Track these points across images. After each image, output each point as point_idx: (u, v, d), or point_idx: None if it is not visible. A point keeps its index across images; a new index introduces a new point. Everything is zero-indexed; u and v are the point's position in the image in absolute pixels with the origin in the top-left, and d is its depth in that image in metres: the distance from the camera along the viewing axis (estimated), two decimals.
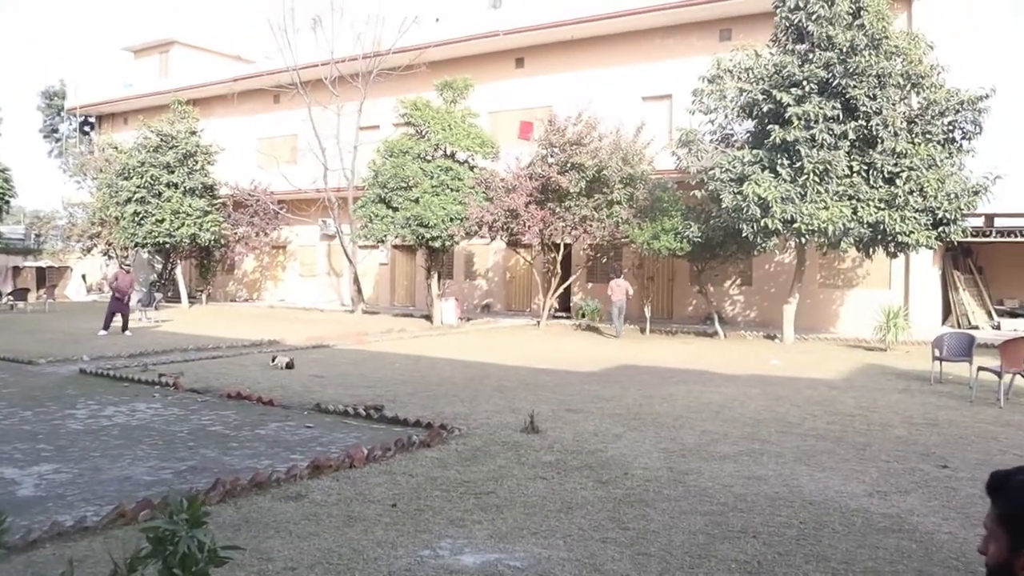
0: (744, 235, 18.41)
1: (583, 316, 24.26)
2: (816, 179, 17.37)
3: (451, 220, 23.16)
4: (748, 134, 19.57)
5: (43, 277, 39.16)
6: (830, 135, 17.27)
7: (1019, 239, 23.52)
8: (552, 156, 22.47)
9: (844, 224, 17.32)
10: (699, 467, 7.49)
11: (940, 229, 17.78)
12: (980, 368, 11.93)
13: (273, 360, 14.37)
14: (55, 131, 47.46)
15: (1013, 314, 24.51)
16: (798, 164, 17.50)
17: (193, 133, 30.79)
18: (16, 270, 37.88)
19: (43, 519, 5.66)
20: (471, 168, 24.48)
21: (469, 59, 29.07)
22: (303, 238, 34.48)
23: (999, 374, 11.41)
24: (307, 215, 32.56)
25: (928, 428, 9.55)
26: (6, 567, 4.86)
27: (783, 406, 10.92)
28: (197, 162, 30.41)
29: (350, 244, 29.10)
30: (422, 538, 5.44)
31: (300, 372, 13.63)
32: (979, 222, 22.70)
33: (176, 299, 32.59)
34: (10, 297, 30.99)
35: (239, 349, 16.88)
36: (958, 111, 18.09)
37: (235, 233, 32.36)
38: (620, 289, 21.73)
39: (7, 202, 33.36)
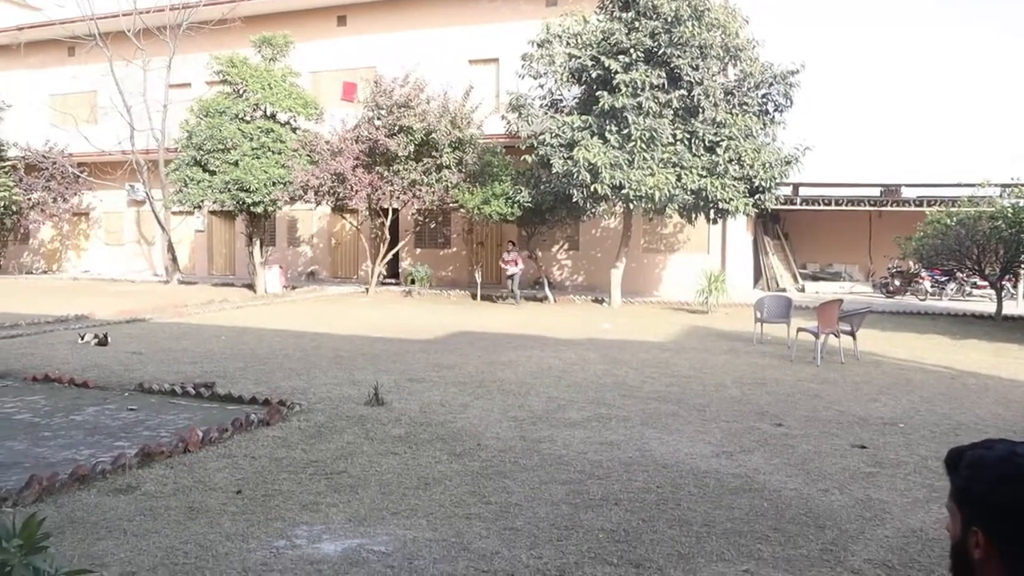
0: (575, 200, 18.63)
1: (412, 283, 23.90)
2: (643, 146, 17.78)
3: (273, 184, 22.10)
4: (576, 100, 19.77)
5: None
6: (656, 103, 17.70)
7: (820, 208, 25.21)
8: (379, 119, 21.82)
9: (669, 191, 17.85)
10: (551, 435, 7.43)
11: (756, 197, 18.70)
12: (799, 329, 12.62)
13: (82, 337, 13.17)
14: None
15: (815, 277, 26.33)
16: (626, 131, 17.84)
17: None
18: None
19: None
20: (294, 130, 23.42)
21: (288, 15, 27.68)
22: (108, 204, 31.95)
23: (816, 334, 12.10)
24: (112, 179, 30.21)
25: (758, 387, 9.97)
26: None
27: (621, 369, 11.11)
28: None
29: (162, 210, 27.27)
30: (275, 527, 5.05)
31: (115, 349, 12.55)
32: (787, 191, 24.12)
33: None
34: None
35: (42, 326, 15.37)
36: (771, 84, 19.03)
37: (28, 199, 29.53)
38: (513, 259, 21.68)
39: None
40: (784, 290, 23.86)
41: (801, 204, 25.13)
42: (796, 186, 24.54)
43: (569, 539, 4.91)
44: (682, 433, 7.59)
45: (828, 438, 7.47)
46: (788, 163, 18.64)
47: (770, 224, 26.50)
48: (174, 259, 27.52)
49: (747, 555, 4.73)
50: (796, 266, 26.31)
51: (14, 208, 29.09)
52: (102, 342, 12.85)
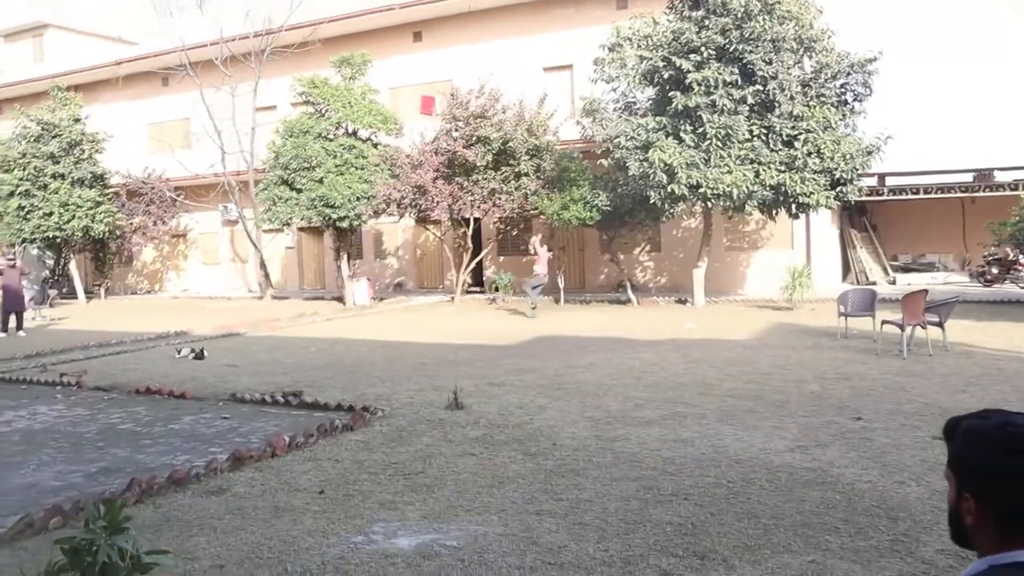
0: (652, 202, 18.61)
1: (496, 290, 24.21)
2: (719, 144, 17.65)
3: (357, 199, 22.72)
4: (650, 101, 19.75)
5: None
6: (730, 100, 17.55)
7: (908, 197, 24.48)
8: (457, 130, 22.23)
9: (747, 187, 17.67)
10: (626, 433, 7.52)
11: (838, 189, 18.32)
12: (884, 322, 12.36)
13: (179, 352, 13.85)
14: None
15: (907, 269, 25.55)
16: (700, 130, 17.74)
17: (77, 120, 29.30)
18: None
19: None
20: (375, 145, 24.04)
21: (365, 34, 28.44)
22: (204, 225, 33.35)
23: (901, 327, 11.83)
24: (206, 201, 31.48)
25: (840, 382, 9.83)
26: None
27: (701, 368, 11.10)
28: (84, 151, 28.96)
29: (254, 229, 28.30)
30: (354, 524, 5.30)
31: (212, 362, 13.18)
32: (872, 181, 23.50)
33: (72, 295, 31.12)
34: None
35: (144, 343, 16.22)
36: (849, 74, 18.63)
37: (131, 223, 31.02)
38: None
39: None
40: (874, 283, 23.25)
41: (888, 194, 24.46)
42: (882, 176, 23.88)
43: (636, 532, 5.02)
44: (758, 429, 7.58)
45: (909, 431, 7.35)
46: (870, 153, 18.20)
47: (856, 216, 25.86)
48: (267, 275, 28.52)
49: (815, 546, 4.76)
50: (886, 258, 25.60)
51: (118, 232, 30.61)
52: (199, 356, 13.50)
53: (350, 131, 23.66)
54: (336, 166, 22.79)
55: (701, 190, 17.81)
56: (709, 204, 18.66)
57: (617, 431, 7.61)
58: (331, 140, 23.19)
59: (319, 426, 7.78)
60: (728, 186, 17.53)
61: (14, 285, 19.38)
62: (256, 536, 5.11)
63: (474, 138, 21.59)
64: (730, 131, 17.55)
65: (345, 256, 24.79)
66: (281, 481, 6.31)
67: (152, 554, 2.38)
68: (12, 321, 19.18)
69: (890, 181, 24.53)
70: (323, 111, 23.39)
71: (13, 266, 19.89)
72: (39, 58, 37.33)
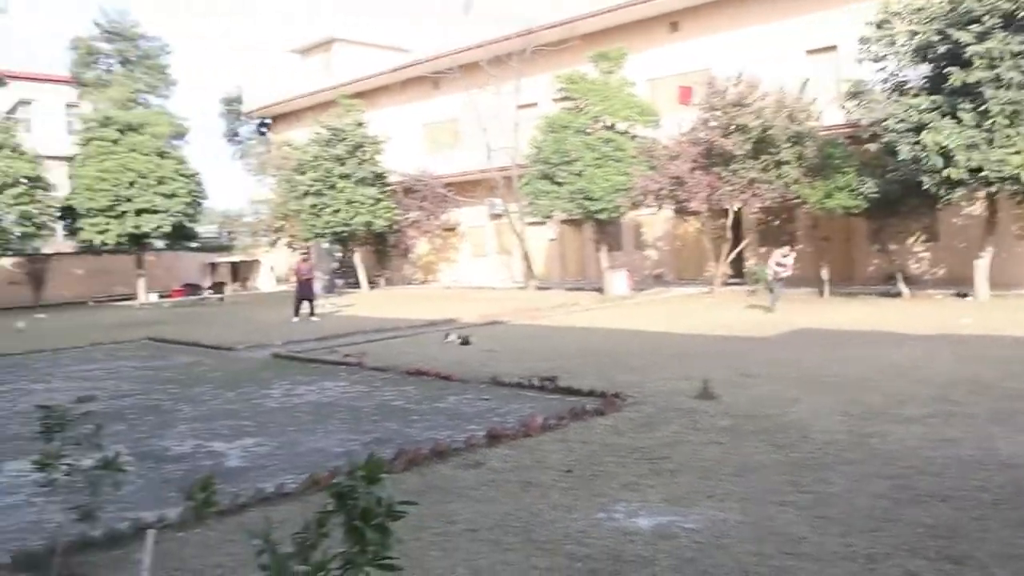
0: (925, 188, 17.29)
1: (756, 282, 23.54)
2: (1005, 122, 16.03)
3: (616, 191, 23.06)
4: (924, 79, 18.28)
5: (236, 271, 42.24)
6: (1019, 72, 15.88)
7: None
8: (714, 119, 21.88)
9: None
10: (883, 430, 7.17)
11: None
12: None
13: (447, 337, 14.86)
14: (236, 134, 50.61)
15: None
16: (982, 108, 16.20)
17: (360, 125, 32.15)
18: (213, 266, 40.93)
19: (248, 486, 6.16)
20: (632, 138, 24.23)
21: (622, 28, 28.67)
22: (472, 219, 35.27)
23: None
24: (474, 196, 33.28)
25: None
26: (219, 526, 5.35)
27: (976, 366, 10.24)
28: (366, 152, 31.76)
29: (518, 222, 29.52)
30: (597, 502, 5.53)
31: (475, 348, 14.04)
32: None
33: (356, 285, 34.21)
34: (209, 291, 33.52)
35: (417, 329, 17.57)
36: None
37: (407, 218, 33.57)
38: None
39: (199, 204, 35.92)
40: None
41: None
42: None
43: (884, 530, 4.83)
44: None
45: None
46: None
47: None
48: (530, 267, 29.69)
49: None
50: None
51: (395, 227, 33.24)
52: (464, 342, 14.42)
53: (608, 124, 24.03)
54: (595, 159, 23.26)
55: (983, 174, 16.29)
56: (993, 189, 17.02)
57: (874, 427, 7.27)
58: (589, 134, 23.70)
59: (571, 410, 8.12)
60: (1016, 168, 15.89)
61: (307, 276, 21.69)
62: (506, 507, 5.49)
63: (732, 127, 21.15)
64: (1019, 107, 15.88)
65: (605, 247, 25.24)
66: (533, 459, 6.68)
67: (403, 504, 2.73)
68: (305, 308, 21.44)
69: None
70: (581, 106, 23.94)
71: (306, 260, 22.34)
72: (328, 70, 41.13)
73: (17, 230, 31.52)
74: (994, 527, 4.85)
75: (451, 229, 36.10)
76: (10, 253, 32.76)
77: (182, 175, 33.56)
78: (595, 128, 23.93)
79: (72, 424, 4.61)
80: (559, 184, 23.72)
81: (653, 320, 17.42)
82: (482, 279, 34.35)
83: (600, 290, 25.37)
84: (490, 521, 5.23)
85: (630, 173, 23.00)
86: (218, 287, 34.52)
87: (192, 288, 34.21)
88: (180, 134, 35.90)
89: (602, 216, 23.70)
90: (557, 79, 24.38)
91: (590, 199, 23.12)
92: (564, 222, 30.50)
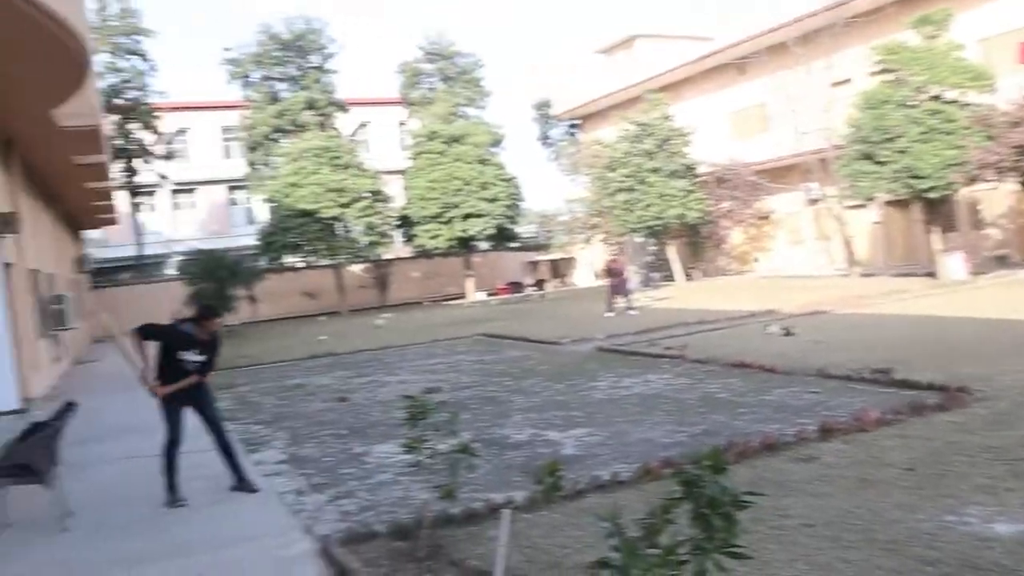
0: None
1: None
2: None
3: (947, 167, 21.09)
4: None
5: (555, 268, 44.19)
6: None
7: None
8: None
9: None
10: None
11: None
12: None
13: (767, 328, 14.55)
14: (548, 137, 52.79)
15: None
16: None
17: (666, 118, 32.22)
18: (533, 264, 43.18)
19: (584, 473, 6.55)
20: (964, 107, 22.01)
21: None
22: (787, 206, 33.94)
23: None
24: (787, 182, 32.03)
25: None
26: (561, 509, 5.76)
27: None
28: (674, 145, 31.77)
29: (837, 206, 28.01)
30: (945, 503, 5.23)
31: (798, 339, 13.61)
32: None
33: (671, 278, 34.36)
34: (532, 288, 35.42)
35: (736, 320, 17.34)
36: None
37: (719, 208, 33.12)
38: None
39: (518, 206, 38.09)
40: None
41: None
42: None
43: None
44: None
45: None
46: None
47: None
48: (851, 253, 28.06)
49: None
50: None
51: (708, 218, 32.94)
52: (788, 333, 14.03)
53: (935, 95, 22.03)
54: (921, 134, 21.43)
55: None
56: None
57: None
58: (914, 107, 21.86)
59: (909, 404, 7.69)
60: None
61: (619, 272, 22.22)
62: (844, 503, 5.36)
63: None
64: None
65: (937, 229, 23.21)
66: (869, 454, 6.43)
67: (749, 495, 2.83)
68: (620, 303, 21.95)
69: None
70: (903, 77, 22.17)
71: (617, 256, 22.92)
72: (632, 67, 41.63)
73: (364, 239, 35.64)
74: None
75: (765, 217, 34.99)
76: (359, 260, 37.02)
77: (502, 180, 35.84)
78: (920, 100, 22.02)
79: (432, 412, 5.23)
80: (881, 163, 22.14)
81: (997, 306, 15.72)
82: (800, 267, 32.98)
83: (932, 275, 23.34)
84: (827, 517, 5.14)
85: (964, 145, 20.91)
86: (539, 284, 36.39)
87: (515, 286, 36.40)
88: (497, 141, 38.38)
89: (932, 195, 21.78)
90: (873, 51, 22.73)
91: (917, 177, 21.34)
92: (888, 203, 28.39)
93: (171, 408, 7.01)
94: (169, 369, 6.97)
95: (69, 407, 7.33)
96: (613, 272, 22.40)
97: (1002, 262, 25.76)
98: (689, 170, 32.15)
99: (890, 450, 6.50)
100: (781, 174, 32.31)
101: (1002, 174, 20.45)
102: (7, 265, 13.29)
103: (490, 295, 36.70)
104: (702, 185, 32.59)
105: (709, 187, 32.84)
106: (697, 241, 35.72)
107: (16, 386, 12.70)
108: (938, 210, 23.32)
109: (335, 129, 40.17)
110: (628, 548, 3.10)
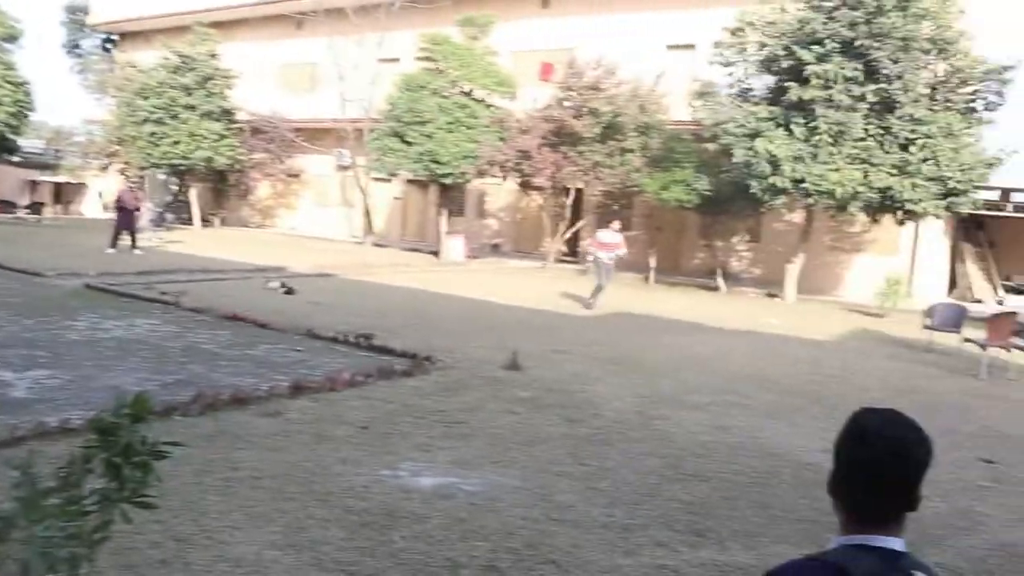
0: (752, 192, 18.39)
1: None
2: (829, 140, 17.25)
3: (463, 158, 23.18)
4: (766, 90, 19.39)
5: (60, 192, 39.62)
6: (848, 96, 17.09)
7: None
8: (569, 100, 22.39)
9: (853, 188, 17.24)
10: (669, 414, 7.69)
11: (949, 200, 17.61)
12: (965, 339, 12.04)
13: (269, 283, 14.63)
14: (77, 47, 47.26)
15: (1019, 291, 24.39)
16: (812, 124, 17.37)
17: (213, 56, 30.68)
18: (33, 184, 38.21)
19: (30, 419, 5.93)
20: (487, 107, 24.39)
21: None
22: (318, 168, 34.45)
23: (983, 347, 11.51)
24: (323, 145, 32.54)
25: (904, 395, 9.67)
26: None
27: (767, 362, 11.09)
28: (216, 85, 30.33)
29: (364, 176, 29.15)
30: (386, 459, 5.70)
31: (299, 298, 13.89)
32: (995, 195, 22.47)
33: (188, 222, 32.79)
34: (26, 210, 31.36)
35: (245, 273, 17.13)
36: (982, 80, 17.86)
37: (251, 159, 32.37)
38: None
39: (26, 116, 33.35)
40: (980, 301, 22.35)
41: (1012, 210, 23.33)
42: (1006, 191, 22.78)
43: (644, 504, 5.25)
44: (801, 427, 7.64)
45: (954, 450, 7.25)
46: (990, 166, 17.45)
47: (972, 231, 24.81)
48: (370, 223, 29.40)
49: (813, 542, 4.86)
50: (999, 277, 24.51)
51: (238, 166, 32.01)
52: (289, 291, 14.23)
53: (465, 90, 24.07)
54: (447, 123, 23.27)
55: (804, 185, 17.50)
56: (811, 201, 18.31)
57: (661, 411, 7.78)
58: (446, 97, 23.65)
59: (379, 368, 8.24)
60: (833, 184, 17.16)
61: (130, 206, 20.71)
62: (295, 457, 5.57)
63: (585, 109, 21.71)
64: (844, 128, 17.11)
65: (446, 212, 25.36)
66: (332, 413, 6.77)
67: (167, 444, 2.77)
68: (125, 239, 20.46)
69: (1016, 197, 23.38)
70: (442, 68, 23.86)
71: (132, 189, 21.31)
72: None
73: None
74: (741, 506, 5.37)
75: (295, 175, 35.12)
76: None
77: (8, 82, 31.03)
78: (452, 92, 23.91)
79: None
80: (408, 143, 23.60)
81: (482, 289, 17.70)
82: (321, 230, 33.70)
83: (436, 254, 25.51)
84: (276, 470, 5.29)
85: (480, 141, 23.18)
86: (36, 207, 32.34)
87: (6, 205, 31.89)
88: (14, 37, 33.16)
89: (447, 180, 23.80)
90: (421, 38, 24.16)
91: (437, 162, 23.15)
92: (410, 182, 30.32)
93: None
94: None
95: None
96: (122, 206, 20.76)
97: (496, 250, 29.02)
98: (227, 114, 30.93)
99: (352, 409, 6.92)
100: (318, 136, 32.69)
101: (506, 172, 23.01)
102: None
103: None
104: (238, 132, 31.62)
105: (244, 136, 31.98)
106: (223, 188, 34.65)
107: None
108: (450, 195, 25.51)
109: None
110: (28, 499, 2.86)
